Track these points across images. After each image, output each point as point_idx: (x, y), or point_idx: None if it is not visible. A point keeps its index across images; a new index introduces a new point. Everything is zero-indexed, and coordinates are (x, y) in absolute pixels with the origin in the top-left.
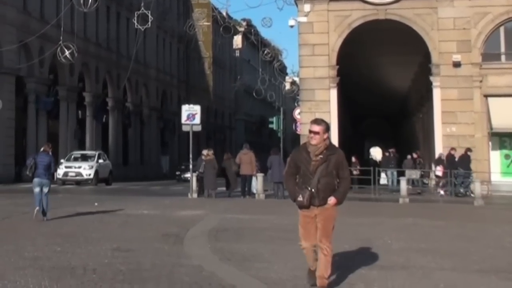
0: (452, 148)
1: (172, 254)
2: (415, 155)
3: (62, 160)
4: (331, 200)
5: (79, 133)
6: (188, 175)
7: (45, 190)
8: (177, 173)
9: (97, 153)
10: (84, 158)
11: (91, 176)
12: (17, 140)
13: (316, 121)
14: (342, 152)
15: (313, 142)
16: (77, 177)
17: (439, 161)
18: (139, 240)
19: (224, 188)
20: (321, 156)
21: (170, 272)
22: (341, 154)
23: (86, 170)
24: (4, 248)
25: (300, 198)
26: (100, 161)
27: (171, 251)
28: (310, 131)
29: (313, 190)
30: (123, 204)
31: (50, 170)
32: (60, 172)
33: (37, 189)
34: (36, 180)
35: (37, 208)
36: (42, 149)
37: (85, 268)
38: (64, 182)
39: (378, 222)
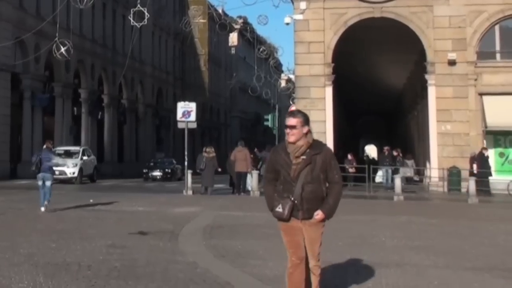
0: (484, 148)
1: (167, 250)
2: (395, 153)
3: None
4: (318, 215)
5: (75, 130)
6: (156, 173)
7: (48, 183)
8: (144, 170)
9: (81, 149)
10: (68, 154)
11: (75, 175)
12: (13, 136)
13: (292, 113)
14: (330, 149)
15: (291, 139)
16: (61, 176)
17: (474, 160)
18: (134, 236)
19: (220, 185)
20: (303, 157)
21: (165, 268)
22: (329, 152)
23: (69, 168)
24: None
25: (279, 209)
26: (85, 157)
27: (166, 248)
28: (286, 126)
29: (295, 200)
30: (118, 201)
31: (53, 166)
32: None
33: (40, 182)
34: (40, 174)
35: (46, 202)
36: (45, 146)
37: (79, 265)
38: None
39: (373, 219)
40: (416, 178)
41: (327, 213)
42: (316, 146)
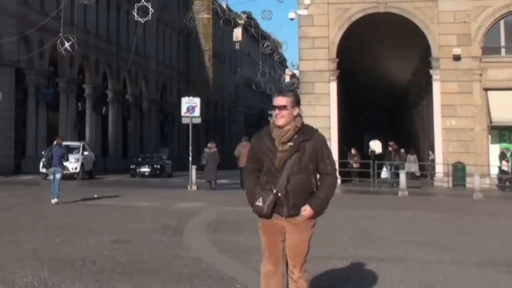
0: None
1: (171, 246)
2: (390, 148)
3: (43, 152)
4: (306, 211)
5: (79, 125)
6: (144, 169)
7: (58, 176)
8: (132, 166)
9: (81, 144)
10: (68, 150)
11: (77, 170)
12: (17, 132)
13: (281, 92)
14: (323, 135)
15: (280, 122)
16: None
17: (502, 156)
18: (138, 232)
19: (224, 180)
20: (290, 143)
21: (169, 264)
22: (321, 139)
23: (72, 163)
24: (4, 239)
25: (258, 203)
26: (85, 153)
27: (170, 243)
28: (274, 107)
29: (279, 193)
30: (122, 196)
31: (63, 160)
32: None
33: (51, 176)
34: (51, 169)
35: (56, 200)
36: (55, 142)
37: (84, 260)
38: (47, 176)
39: (377, 214)
40: (417, 173)
41: (317, 208)
42: (306, 131)
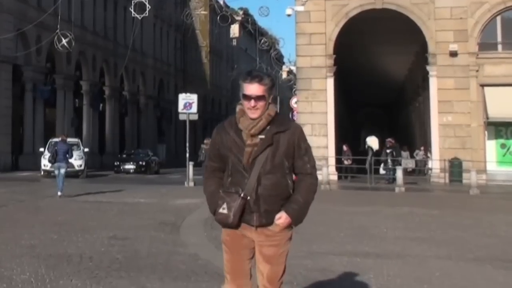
0: None
1: (169, 242)
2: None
3: (42, 149)
4: (281, 218)
5: (76, 122)
6: (129, 166)
7: (62, 171)
8: (116, 163)
9: (78, 141)
10: None
11: (82, 167)
12: (14, 128)
13: (257, 77)
14: (301, 127)
15: (255, 115)
16: (68, 169)
17: None
18: (135, 228)
19: None
20: (262, 136)
21: (167, 260)
22: (298, 130)
23: (76, 160)
24: (1, 236)
25: (223, 210)
26: (86, 149)
27: (168, 239)
28: (246, 96)
29: (248, 197)
30: (119, 193)
31: (67, 156)
32: (46, 162)
33: (57, 171)
34: (56, 164)
35: (59, 193)
36: (60, 138)
37: (81, 256)
38: (49, 173)
39: (374, 210)
40: (409, 169)
41: (294, 215)
42: (280, 121)
